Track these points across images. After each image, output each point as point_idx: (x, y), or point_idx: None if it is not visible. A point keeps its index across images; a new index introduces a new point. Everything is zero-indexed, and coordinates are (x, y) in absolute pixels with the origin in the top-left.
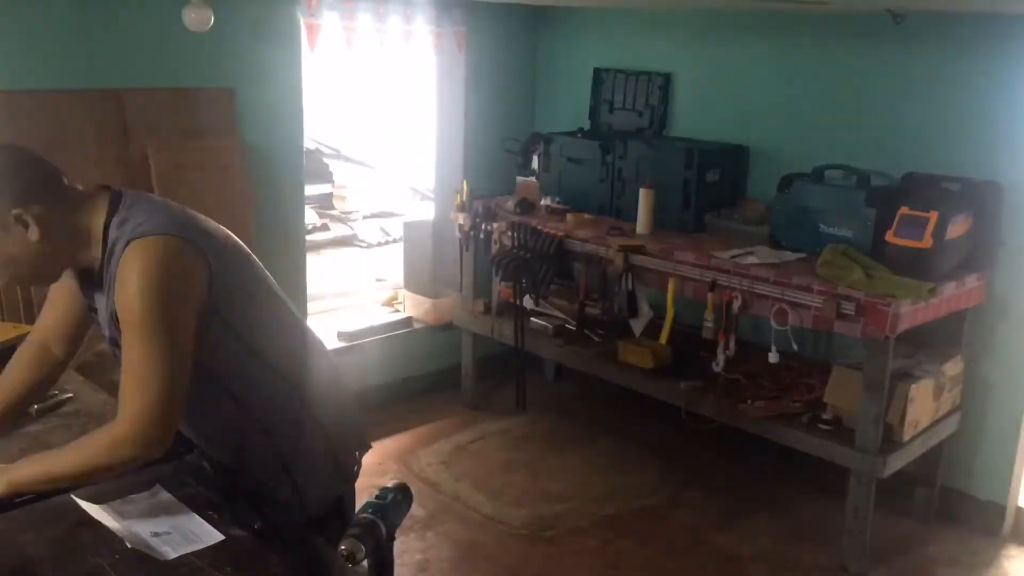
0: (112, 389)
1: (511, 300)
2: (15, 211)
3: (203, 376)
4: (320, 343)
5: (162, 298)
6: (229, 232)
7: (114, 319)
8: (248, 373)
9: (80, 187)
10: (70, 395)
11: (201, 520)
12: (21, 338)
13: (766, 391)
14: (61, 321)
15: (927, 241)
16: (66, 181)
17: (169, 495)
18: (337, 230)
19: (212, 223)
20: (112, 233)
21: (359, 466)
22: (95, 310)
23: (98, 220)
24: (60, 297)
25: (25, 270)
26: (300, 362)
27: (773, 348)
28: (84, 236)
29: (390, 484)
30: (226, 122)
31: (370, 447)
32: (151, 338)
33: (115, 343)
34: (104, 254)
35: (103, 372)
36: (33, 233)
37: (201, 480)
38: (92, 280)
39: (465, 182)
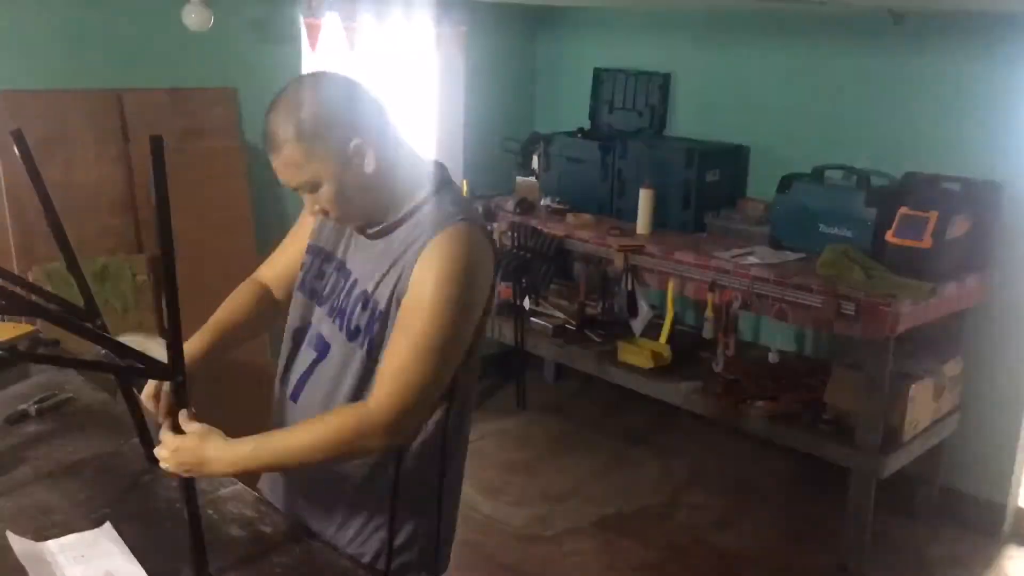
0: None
1: (511, 300)
2: (355, 141)
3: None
4: None
5: (466, 290)
6: None
7: (390, 290)
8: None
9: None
10: (70, 395)
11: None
12: (21, 338)
13: (766, 391)
14: (291, 268)
15: (927, 241)
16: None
17: (116, 537)
18: None
19: None
20: (430, 202)
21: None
22: (324, 261)
23: (422, 180)
24: (293, 245)
25: (352, 207)
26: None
27: (773, 348)
28: (401, 189)
29: None
30: (228, 122)
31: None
32: (441, 325)
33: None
34: (406, 218)
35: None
36: (370, 164)
37: None
38: (368, 235)
39: (465, 182)
